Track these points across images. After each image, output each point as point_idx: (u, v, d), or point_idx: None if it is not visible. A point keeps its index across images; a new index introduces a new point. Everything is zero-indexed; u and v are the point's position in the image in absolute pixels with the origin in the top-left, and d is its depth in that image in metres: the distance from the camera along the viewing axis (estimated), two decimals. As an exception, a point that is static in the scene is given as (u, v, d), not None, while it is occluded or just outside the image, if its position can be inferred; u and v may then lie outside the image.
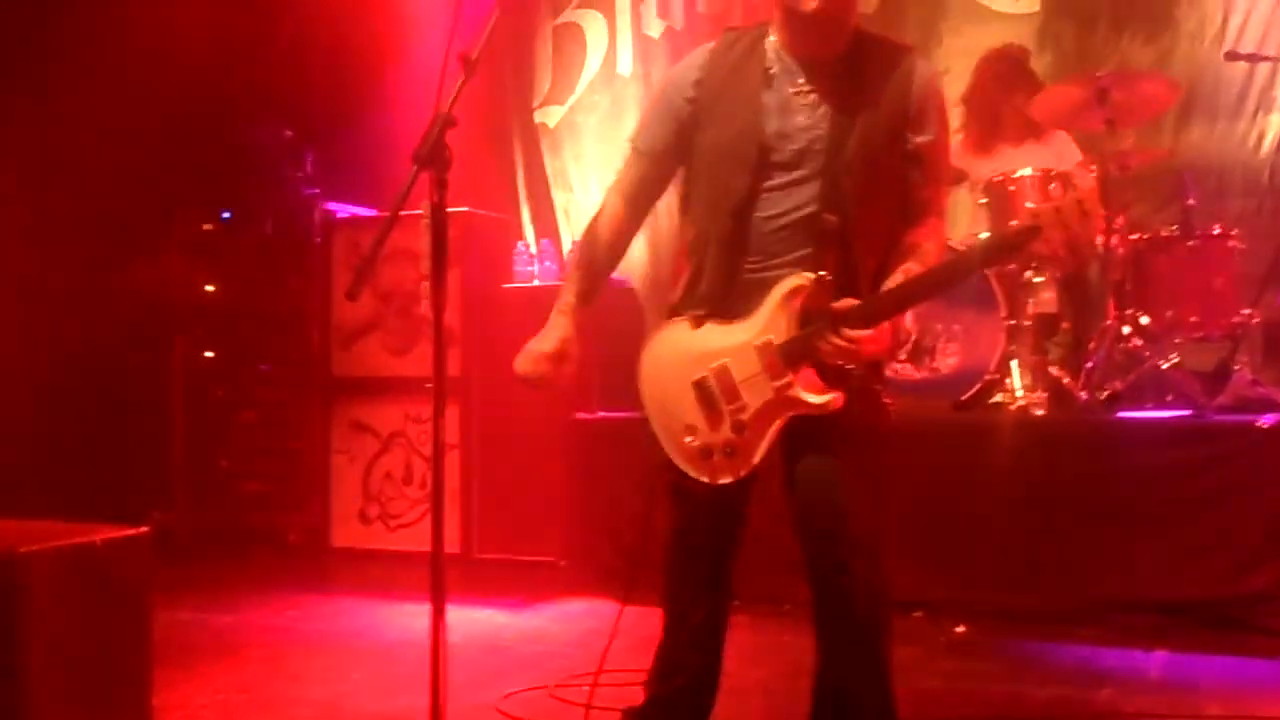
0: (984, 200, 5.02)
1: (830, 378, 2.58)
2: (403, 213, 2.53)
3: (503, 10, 2.62)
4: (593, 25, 6.68)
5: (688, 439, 2.69)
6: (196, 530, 6.05)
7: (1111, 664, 3.85)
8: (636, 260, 6.29)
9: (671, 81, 2.81)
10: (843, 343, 2.50)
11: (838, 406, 2.57)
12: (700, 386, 2.67)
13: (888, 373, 4.76)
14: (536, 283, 5.79)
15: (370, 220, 5.94)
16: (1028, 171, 4.86)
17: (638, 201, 2.85)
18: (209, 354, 6.18)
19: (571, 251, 2.81)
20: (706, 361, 2.66)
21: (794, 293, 2.58)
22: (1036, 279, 4.92)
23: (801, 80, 2.64)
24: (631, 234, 2.91)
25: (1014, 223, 2.55)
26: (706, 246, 2.69)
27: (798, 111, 2.63)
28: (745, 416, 2.63)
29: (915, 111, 2.64)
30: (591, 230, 2.91)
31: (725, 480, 2.65)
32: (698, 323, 2.69)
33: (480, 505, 5.54)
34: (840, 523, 2.59)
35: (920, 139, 2.64)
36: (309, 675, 3.89)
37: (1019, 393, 4.75)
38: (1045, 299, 4.95)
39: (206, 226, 6.21)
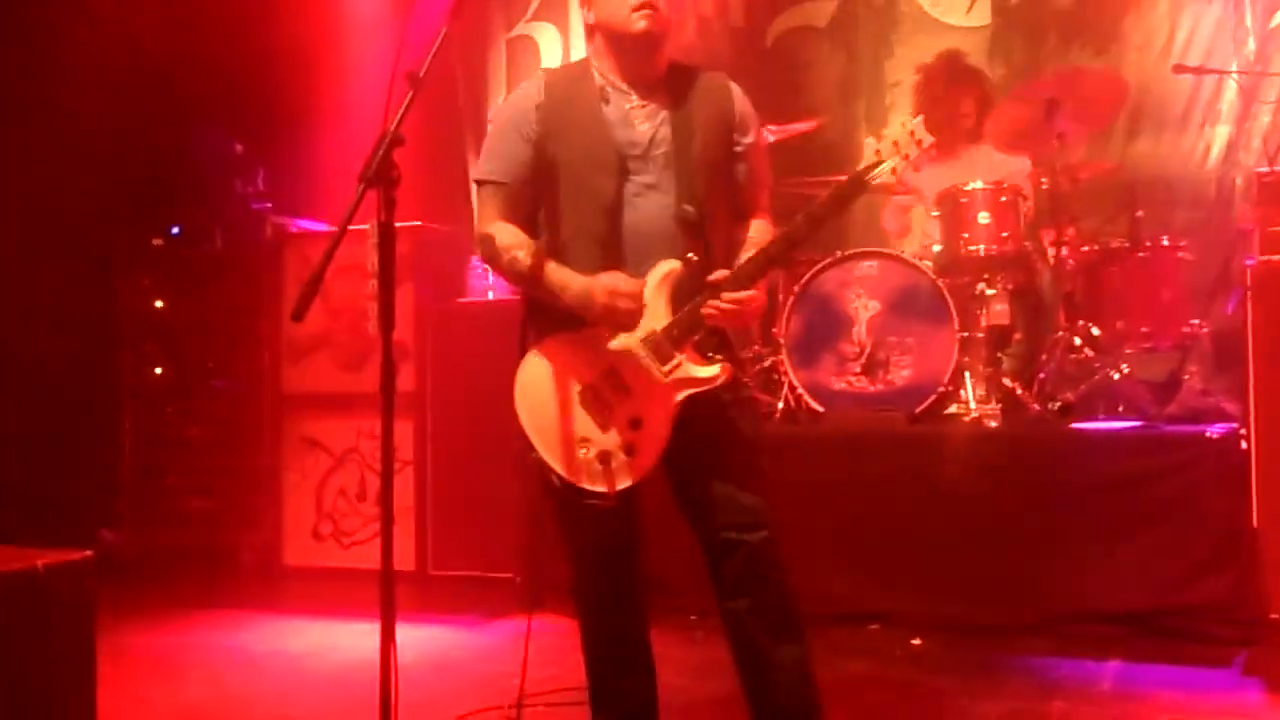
0: (936, 213, 5.06)
1: (711, 351, 2.75)
2: (351, 227, 2.50)
3: (452, 26, 2.61)
4: (546, 37, 6.68)
5: (581, 452, 2.76)
6: (145, 549, 5.95)
7: (1065, 674, 3.86)
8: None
9: (512, 114, 2.92)
10: (727, 304, 2.69)
11: (728, 375, 2.73)
12: (587, 393, 2.76)
13: (842, 385, 4.85)
14: (491, 296, 5.77)
15: (321, 235, 5.89)
16: (978, 185, 4.90)
17: (517, 224, 2.86)
18: (158, 370, 6.09)
19: (517, 265, 2.80)
20: (591, 367, 2.77)
21: (666, 278, 2.74)
22: (989, 291, 4.96)
23: (634, 96, 2.85)
24: None
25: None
26: (583, 254, 2.78)
27: (640, 121, 2.83)
28: (639, 410, 2.73)
29: (738, 118, 2.90)
30: (519, 244, 2.83)
31: (628, 483, 2.72)
32: (577, 331, 2.77)
33: (435, 521, 5.49)
34: (754, 531, 2.76)
35: (745, 140, 2.90)
36: (258, 697, 3.83)
37: (973, 404, 4.77)
38: (998, 311, 4.98)
39: (156, 241, 6.12)
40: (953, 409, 4.83)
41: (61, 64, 6.04)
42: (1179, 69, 5.34)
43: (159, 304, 6.02)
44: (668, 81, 2.88)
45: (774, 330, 5.15)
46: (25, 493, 5.52)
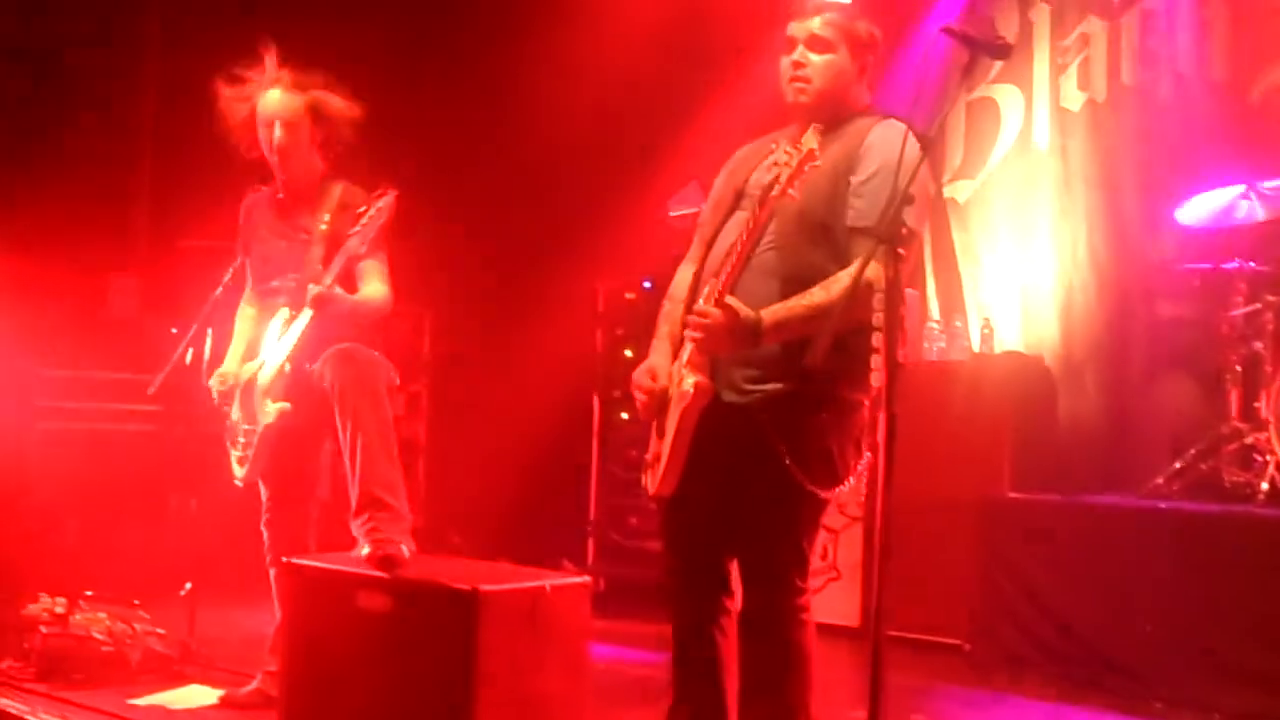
0: None
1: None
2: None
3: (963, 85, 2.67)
4: (1008, 99, 6.58)
5: (648, 455, 3.07)
6: (607, 582, 6.33)
7: None
8: (1048, 337, 6.11)
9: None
10: (693, 319, 2.85)
11: (703, 389, 2.84)
12: (652, 403, 3.04)
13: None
14: (953, 358, 5.76)
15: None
16: None
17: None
18: (624, 415, 6.49)
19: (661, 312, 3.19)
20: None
21: (706, 298, 2.94)
22: None
23: (786, 146, 2.92)
24: None
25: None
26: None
27: (774, 166, 2.90)
28: (666, 423, 2.96)
29: (861, 157, 2.93)
30: (669, 297, 3.18)
31: (652, 489, 3.00)
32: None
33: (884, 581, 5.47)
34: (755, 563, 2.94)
35: (856, 179, 2.93)
36: None
37: None
38: None
39: (629, 295, 6.57)
40: None
41: (537, 115, 6.62)
42: None
43: (629, 353, 6.44)
44: (831, 131, 2.94)
45: (1255, 404, 4.80)
46: (514, 523, 6.06)
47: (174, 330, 6.52)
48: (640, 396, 3.03)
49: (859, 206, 2.87)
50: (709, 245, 3.06)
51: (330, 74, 4.07)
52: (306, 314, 3.74)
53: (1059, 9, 6.32)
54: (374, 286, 3.89)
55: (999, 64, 6.61)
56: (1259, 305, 4.96)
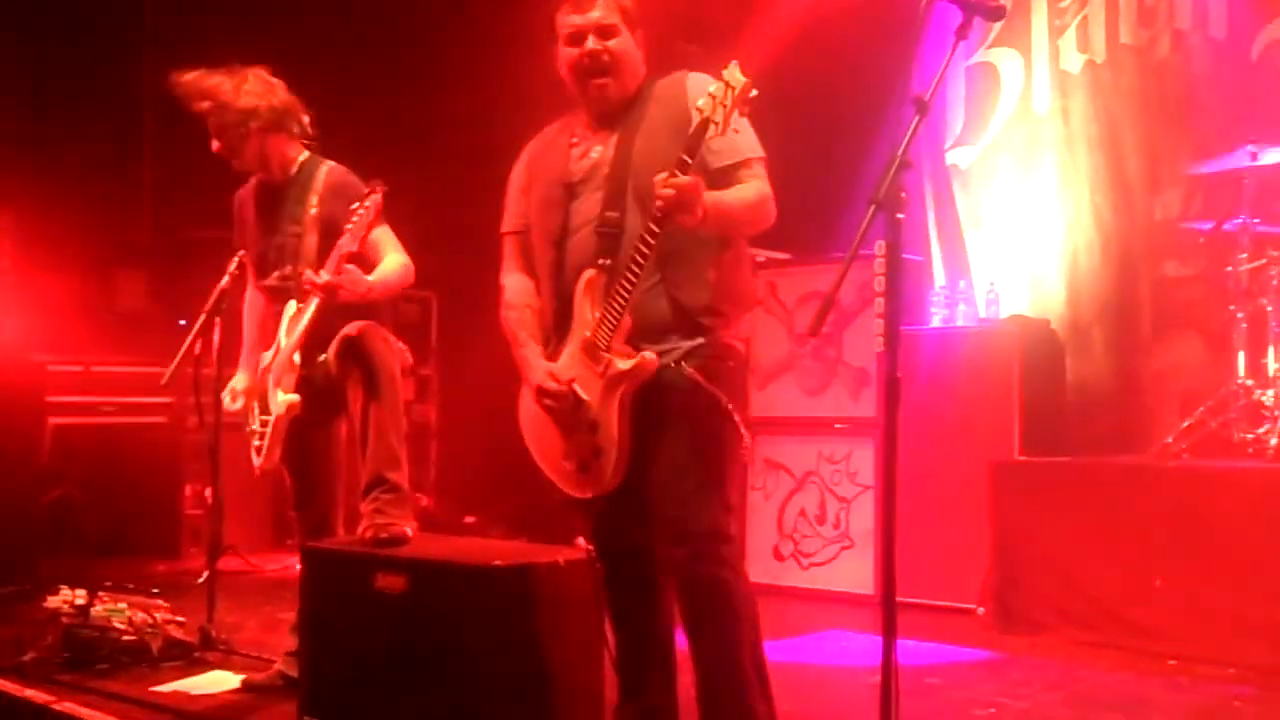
0: None
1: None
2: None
3: (956, 47, 2.67)
4: (1008, 63, 6.56)
5: (566, 463, 2.97)
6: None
7: None
8: (1054, 301, 6.12)
9: (515, 170, 3.23)
10: (664, 189, 2.73)
11: (651, 364, 2.85)
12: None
13: None
14: (959, 324, 5.77)
15: (787, 262, 6.08)
16: None
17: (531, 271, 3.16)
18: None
19: (507, 324, 3.17)
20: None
21: (586, 286, 2.93)
22: None
23: (591, 132, 3.08)
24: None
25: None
26: (544, 288, 3.09)
27: (592, 151, 3.04)
28: (594, 415, 2.90)
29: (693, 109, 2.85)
30: (513, 306, 3.16)
31: (602, 485, 2.91)
32: (552, 355, 3.01)
33: (898, 547, 5.51)
34: (684, 520, 2.89)
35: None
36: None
37: None
38: None
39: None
40: None
41: (550, 105, 6.60)
42: None
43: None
44: (631, 105, 3.03)
45: (1262, 361, 4.81)
46: (523, 498, 6.07)
47: (182, 322, 6.57)
48: (549, 402, 2.94)
49: (718, 149, 2.90)
50: (555, 241, 3.02)
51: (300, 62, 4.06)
52: (313, 303, 3.75)
53: (1056, -30, 6.30)
54: (391, 258, 3.88)
55: (996, 27, 6.61)
56: (1264, 261, 4.95)
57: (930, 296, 5.92)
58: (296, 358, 3.82)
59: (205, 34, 6.36)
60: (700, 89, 2.87)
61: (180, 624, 4.39)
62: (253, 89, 3.93)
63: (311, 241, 3.86)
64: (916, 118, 2.58)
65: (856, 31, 6.19)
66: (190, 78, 3.95)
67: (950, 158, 6.73)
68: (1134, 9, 6.04)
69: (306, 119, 4.03)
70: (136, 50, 7.69)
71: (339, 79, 7.28)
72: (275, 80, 4.01)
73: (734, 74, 2.77)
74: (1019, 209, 6.35)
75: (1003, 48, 6.57)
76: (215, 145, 3.96)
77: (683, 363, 2.92)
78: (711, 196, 2.83)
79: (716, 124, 2.76)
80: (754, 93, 2.77)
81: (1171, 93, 5.87)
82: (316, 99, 4.12)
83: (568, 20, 3.03)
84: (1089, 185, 6.11)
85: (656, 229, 2.79)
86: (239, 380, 4.05)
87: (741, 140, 2.95)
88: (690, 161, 2.77)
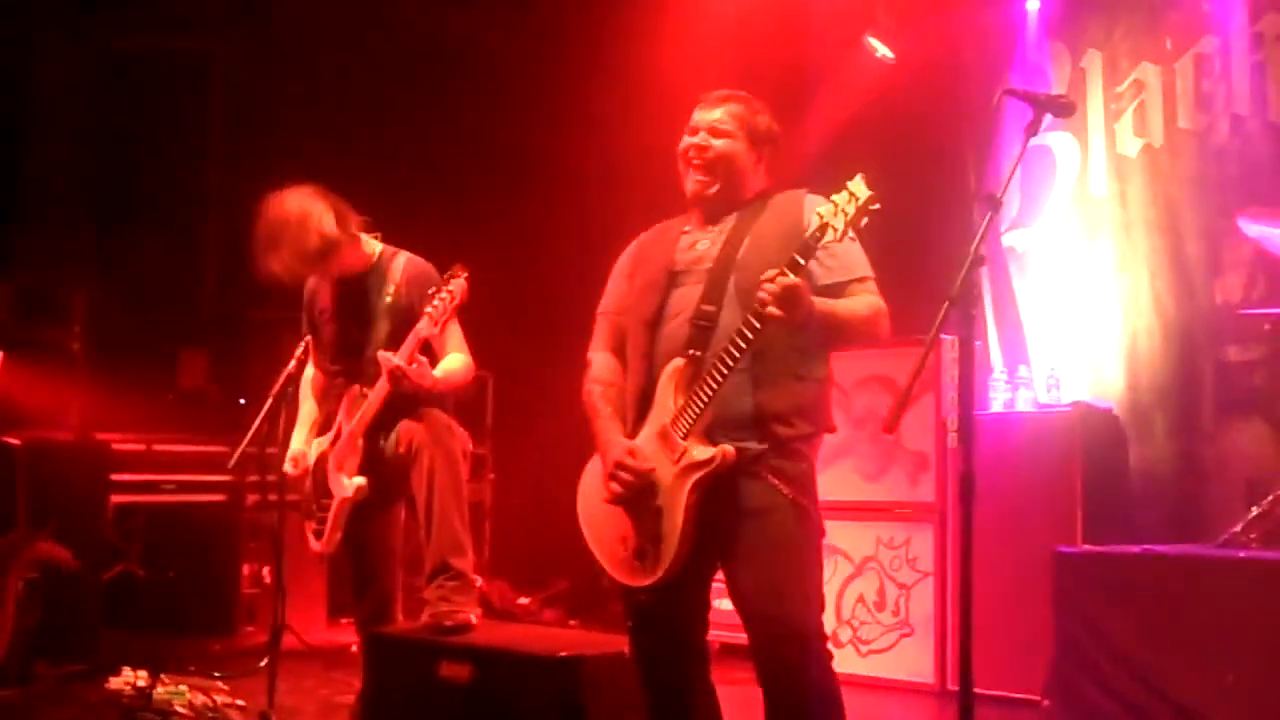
0: None
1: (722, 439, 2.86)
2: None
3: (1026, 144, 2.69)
4: (1063, 146, 6.58)
5: (622, 550, 2.94)
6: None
7: None
8: (1113, 386, 6.06)
9: (621, 257, 3.31)
10: (767, 288, 2.74)
11: (726, 458, 2.83)
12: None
13: None
14: (1019, 409, 5.74)
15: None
16: None
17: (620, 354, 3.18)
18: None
19: (590, 397, 3.14)
20: None
21: (671, 375, 2.95)
22: None
23: (705, 226, 3.15)
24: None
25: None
26: (632, 369, 3.10)
27: (699, 243, 3.11)
28: (660, 501, 2.87)
29: (808, 222, 2.90)
30: (598, 380, 3.16)
31: (659, 574, 2.86)
32: (628, 436, 3.00)
33: (957, 636, 5.43)
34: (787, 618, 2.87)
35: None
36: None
37: None
38: None
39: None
40: None
41: (596, 188, 6.68)
42: None
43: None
44: (745, 207, 3.09)
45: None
46: (580, 581, 6.04)
47: (242, 401, 6.65)
48: (625, 476, 2.91)
49: (830, 265, 2.97)
50: (650, 324, 3.05)
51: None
52: (381, 387, 3.79)
53: (1111, 56, 6.32)
54: (455, 356, 3.94)
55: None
56: (1329, 346, 4.90)
57: (989, 381, 5.89)
58: (361, 441, 3.85)
59: (268, 137, 6.53)
60: (816, 204, 2.90)
61: (241, 708, 4.40)
62: (314, 224, 3.89)
63: (383, 328, 3.91)
64: (989, 214, 2.60)
65: (920, 117, 6.26)
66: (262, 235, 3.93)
67: (1007, 240, 6.72)
68: (1191, 94, 6.04)
69: (359, 218, 4.05)
70: (202, 142, 7.89)
71: (396, 168, 7.45)
72: (319, 199, 3.96)
73: (859, 186, 2.79)
74: (1076, 292, 6.32)
75: (1058, 131, 6.58)
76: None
77: (760, 460, 2.92)
78: (822, 302, 2.87)
79: (835, 229, 2.78)
80: (876, 206, 2.78)
81: (1231, 177, 5.86)
82: (376, 186, 4.19)
83: (695, 113, 3.17)
84: (1148, 269, 6.07)
85: (757, 324, 2.80)
86: (296, 443, 4.09)
87: (853, 257, 3.03)
88: (802, 263, 2.79)
